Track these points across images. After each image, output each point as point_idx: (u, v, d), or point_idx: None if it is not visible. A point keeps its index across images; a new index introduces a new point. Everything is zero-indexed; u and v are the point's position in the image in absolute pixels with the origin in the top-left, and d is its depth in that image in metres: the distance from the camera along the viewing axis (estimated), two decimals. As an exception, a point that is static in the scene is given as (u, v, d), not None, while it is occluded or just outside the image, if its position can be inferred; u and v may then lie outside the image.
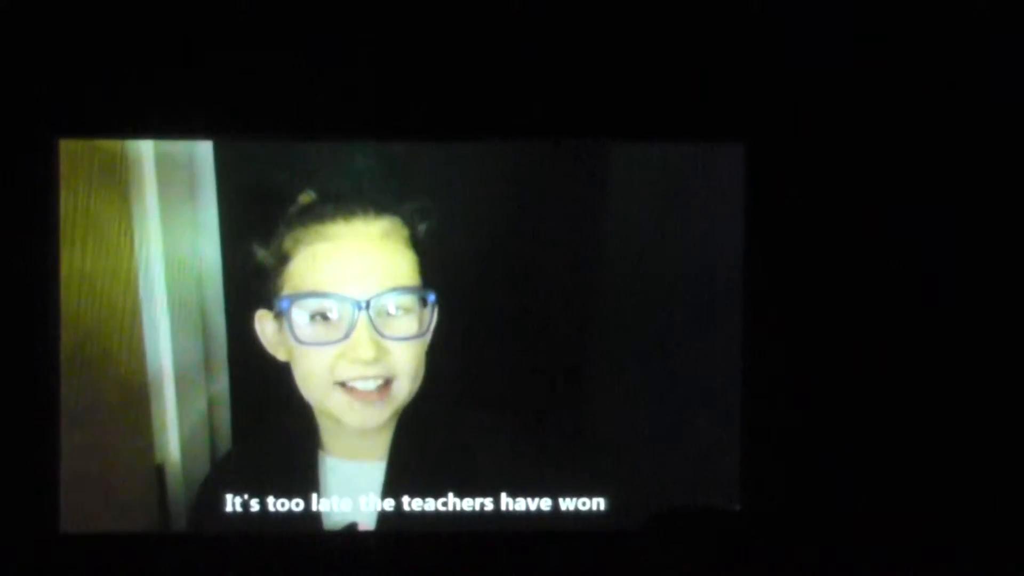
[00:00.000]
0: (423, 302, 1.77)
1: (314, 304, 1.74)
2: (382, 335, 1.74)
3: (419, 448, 1.80)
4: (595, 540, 1.78)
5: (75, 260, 1.74)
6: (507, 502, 1.79)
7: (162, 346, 1.76)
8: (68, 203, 1.74)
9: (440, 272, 1.78)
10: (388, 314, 1.75)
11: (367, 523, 1.79)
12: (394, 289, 1.75)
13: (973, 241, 1.80)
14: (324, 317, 1.74)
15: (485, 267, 1.79)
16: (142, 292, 1.75)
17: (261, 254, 1.76)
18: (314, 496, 1.79)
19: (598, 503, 1.79)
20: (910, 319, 1.80)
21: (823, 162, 1.79)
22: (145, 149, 1.75)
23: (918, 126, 1.79)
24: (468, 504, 1.79)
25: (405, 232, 1.77)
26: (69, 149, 1.74)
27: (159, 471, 1.77)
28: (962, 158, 1.79)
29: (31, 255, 1.75)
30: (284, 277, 1.75)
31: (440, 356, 1.78)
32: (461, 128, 1.79)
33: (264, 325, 1.76)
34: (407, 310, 1.76)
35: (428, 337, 1.78)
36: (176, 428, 1.77)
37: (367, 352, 1.74)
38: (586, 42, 1.79)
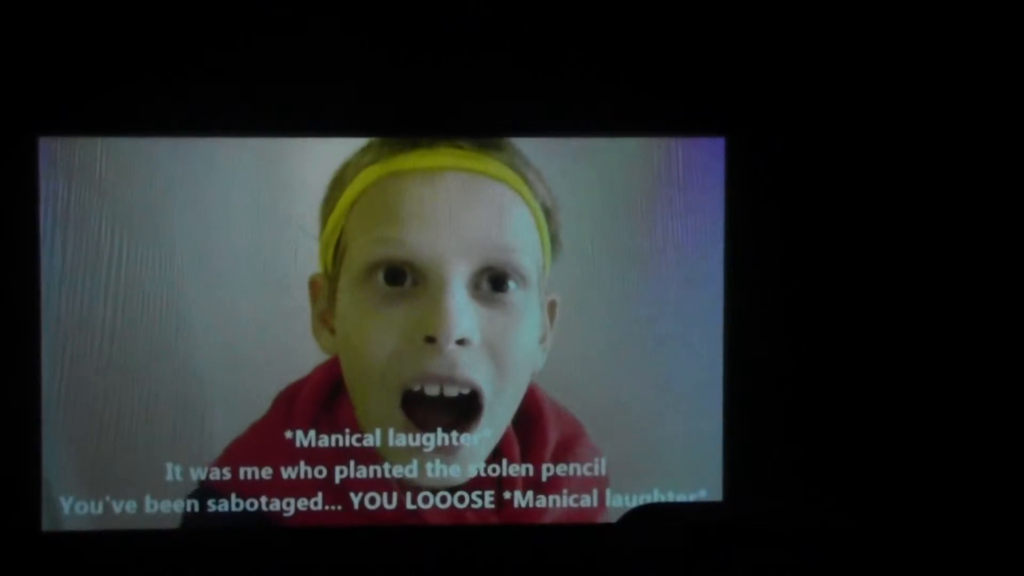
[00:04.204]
0: None
1: None
2: None
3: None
4: (579, 533, 1.80)
5: (56, 257, 1.73)
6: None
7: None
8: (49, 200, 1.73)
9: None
10: None
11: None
12: None
13: (950, 232, 1.82)
14: None
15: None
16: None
17: None
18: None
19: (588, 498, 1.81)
20: (891, 310, 1.83)
21: (803, 155, 1.82)
22: (126, 145, 1.74)
23: (896, 118, 1.82)
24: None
25: None
26: (50, 147, 1.72)
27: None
28: (940, 151, 1.82)
29: (11, 253, 1.73)
30: None
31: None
32: (438, 126, 1.78)
33: None
34: None
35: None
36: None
37: None
38: (567, 39, 1.80)
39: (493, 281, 1.72)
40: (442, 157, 1.72)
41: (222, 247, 1.74)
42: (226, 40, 1.76)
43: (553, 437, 1.78)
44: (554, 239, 1.76)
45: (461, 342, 1.70)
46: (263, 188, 1.75)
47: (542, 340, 1.77)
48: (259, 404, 1.76)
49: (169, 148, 1.75)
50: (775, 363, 1.82)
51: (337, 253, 1.73)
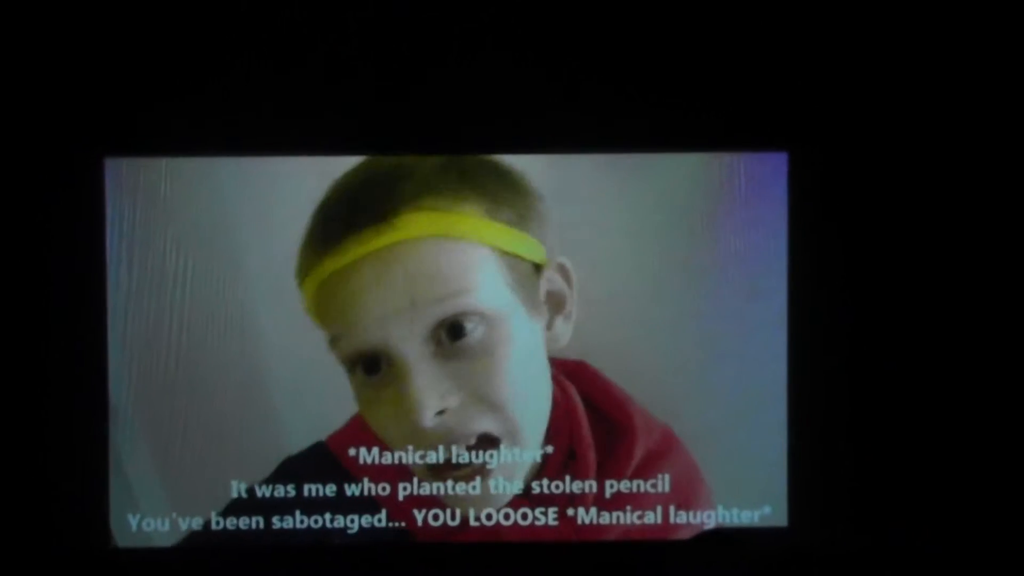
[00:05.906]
0: None
1: None
2: None
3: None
4: (641, 552, 1.79)
5: (122, 277, 1.75)
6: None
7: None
8: (115, 220, 1.75)
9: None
10: None
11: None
12: None
13: (1019, 247, 1.80)
14: None
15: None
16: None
17: None
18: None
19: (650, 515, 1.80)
20: (958, 324, 1.81)
21: (866, 168, 1.80)
22: (190, 165, 1.75)
23: (961, 131, 1.80)
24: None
25: None
26: (116, 167, 1.74)
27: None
28: (1008, 163, 1.80)
29: (79, 272, 1.75)
30: None
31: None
32: (500, 142, 1.78)
33: None
34: None
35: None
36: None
37: None
38: (624, 54, 1.79)
39: (450, 332, 1.70)
40: (348, 253, 1.70)
41: (287, 265, 1.75)
42: (287, 60, 1.77)
43: (639, 452, 1.77)
44: (544, 239, 1.73)
45: (442, 412, 1.71)
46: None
47: (549, 326, 1.74)
48: (326, 422, 1.77)
49: (233, 167, 1.76)
50: (840, 377, 1.81)
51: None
